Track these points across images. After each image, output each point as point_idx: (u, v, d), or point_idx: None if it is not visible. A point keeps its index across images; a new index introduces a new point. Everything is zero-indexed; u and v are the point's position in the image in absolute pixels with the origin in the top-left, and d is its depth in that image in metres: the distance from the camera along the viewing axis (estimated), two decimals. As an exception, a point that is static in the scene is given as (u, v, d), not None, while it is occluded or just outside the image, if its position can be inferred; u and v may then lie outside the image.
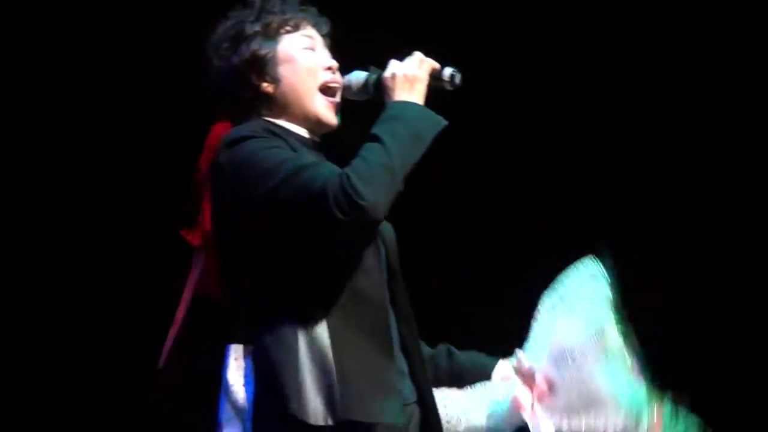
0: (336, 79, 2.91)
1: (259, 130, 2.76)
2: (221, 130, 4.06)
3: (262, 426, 2.77)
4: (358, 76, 2.91)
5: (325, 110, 2.89)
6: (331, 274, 2.71)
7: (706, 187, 5.03)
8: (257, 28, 2.89)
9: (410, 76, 2.81)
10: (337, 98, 2.91)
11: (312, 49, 2.91)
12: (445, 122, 2.77)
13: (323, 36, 2.97)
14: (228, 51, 2.89)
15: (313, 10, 2.99)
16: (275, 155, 2.69)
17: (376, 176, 2.63)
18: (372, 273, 2.74)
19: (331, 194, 2.60)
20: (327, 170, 2.66)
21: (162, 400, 4.54)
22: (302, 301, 2.70)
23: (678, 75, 5.00)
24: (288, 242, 2.69)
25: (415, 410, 2.83)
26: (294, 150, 2.74)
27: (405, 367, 2.82)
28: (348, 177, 2.61)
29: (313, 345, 2.68)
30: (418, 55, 2.84)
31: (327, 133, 2.93)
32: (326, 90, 2.89)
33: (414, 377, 2.84)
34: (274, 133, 2.76)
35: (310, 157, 2.74)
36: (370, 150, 2.68)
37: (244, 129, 2.78)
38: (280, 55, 2.88)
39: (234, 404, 3.78)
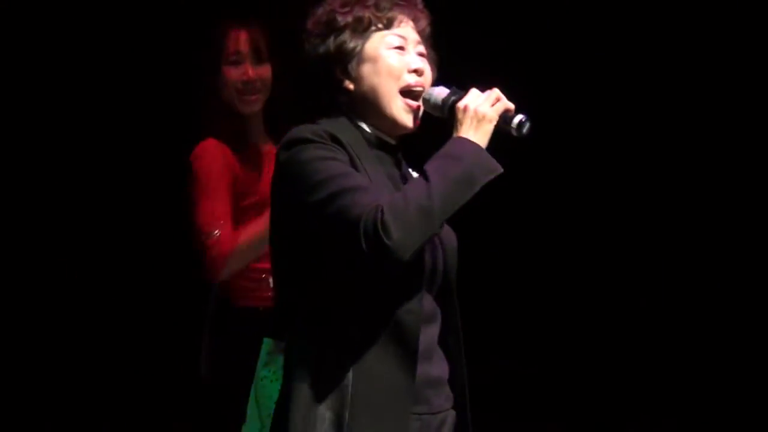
0: (421, 82, 2.85)
1: (321, 133, 2.73)
2: (207, 147, 4.04)
3: (278, 429, 2.76)
4: (438, 93, 2.84)
5: (402, 113, 2.83)
6: (360, 291, 2.70)
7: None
8: (348, 20, 2.84)
9: (481, 114, 2.75)
10: (419, 102, 2.85)
11: (402, 48, 2.85)
12: (501, 169, 2.72)
13: (422, 30, 2.90)
14: (317, 39, 2.85)
15: (415, 1, 2.92)
16: (328, 168, 2.68)
17: (410, 217, 2.61)
18: (407, 288, 2.72)
19: (363, 225, 2.61)
20: (369, 199, 2.63)
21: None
22: (331, 313, 2.71)
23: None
24: (322, 254, 2.70)
25: (449, 415, 2.85)
26: (353, 161, 2.73)
27: (444, 375, 2.83)
28: (382, 212, 2.60)
29: (336, 359, 2.69)
30: (495, 93, 2.79)
31: (407, 134, 2.88)
32: (408, 93, 2.84)
33: (453, 384, 2.85)
34: (335, 139, 2.73)
35: (365, 176, 2.72)
36: (414, 187, 2.67)
37: (306, 130, 2.75)
38: (366, 53, 2.83)
39: (258, 398, 3.81)
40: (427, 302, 2.78)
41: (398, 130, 2.86)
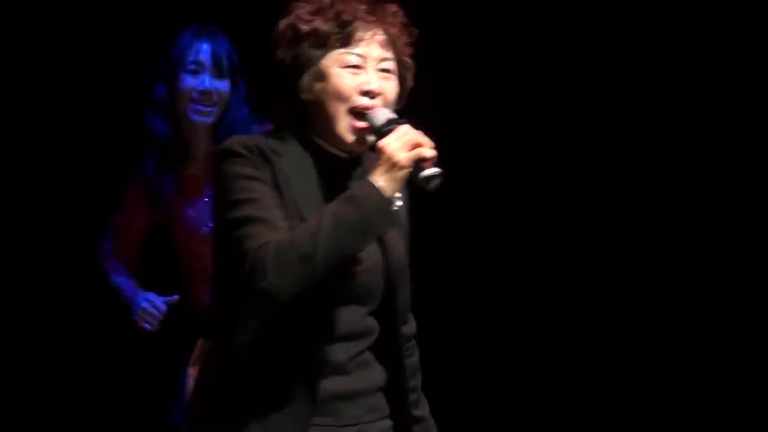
0: (371, 104, 2.76)
1: (251, 147, 2.72)
2: (128, 200, 4.15)
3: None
4: (378, 119, 2.75)
5: (348, 134, 2.77)
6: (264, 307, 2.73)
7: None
8: (307, 31, 2.77)
9: (394, 160, 2.66)
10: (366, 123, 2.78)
11: (358, 67, 2.76)
12: (393, 225, 2.71)
13: (395, 41, 2.79)
14: (279, 44, 2.80)
15: (385, 11, 2.81)
16: (245, 189, 2.68)
17: (290, 263, 2.60)
18: (320, 307, 2.74)
19: (248, 261, 2.62)
20: (264, 234, 2.63)
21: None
22: (240, 321, 2.75)
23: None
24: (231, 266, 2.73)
25: (373, 427, 2.86)
26: (277, 179, 2.71)
27: (369, 388, 2.85)
28: (265, 253, 2.61)
29: (238, 368, 2.74)
30: (415, 138, 2.69)
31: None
32: (358, 113, 2.76)
33: (391, 396, 2.88)
34: (263, 154, 2.72)
35: (286, 200, 2.71)
36: (304, 231, 2.63)
37: (237, 143, 2.75)
38: (320, 68, 2.77)
39: (185, 395, 3.88)
40: (353, 318, 2.80)
41: (347, 147, 2.81)
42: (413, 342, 3.00)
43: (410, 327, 3.00)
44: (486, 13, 5.03)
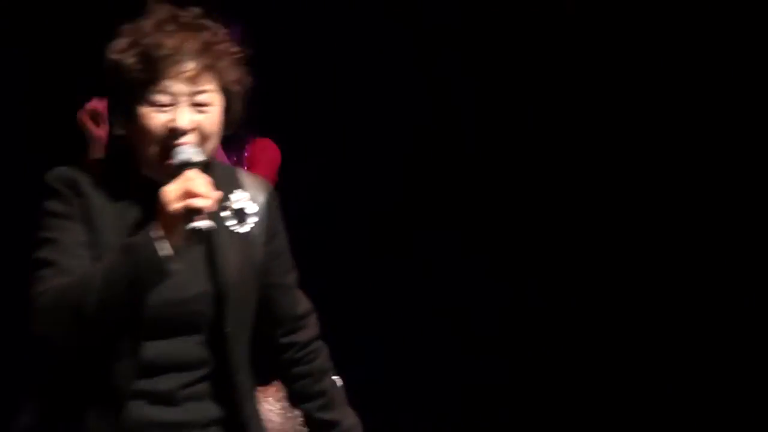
0: (183, 141, 2.64)
1: (66, 180, 2.67)
2: None
3: None
4: (177, 159, 2.64)
5: (159, 171, 2.66)
6: None
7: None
8: (116, 66, 2.66)
9: (167, 210, 2.56)
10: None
11: (167, 105, 2.65)
12: (169, 276, 2.57)
13: (217, 61, 2.67)
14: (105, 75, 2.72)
15: (203, 39, 2.67)
16: (50, 228, 2.65)
17: (61, 315, 2.58)
18: (125, 337, 2.65)
19: (32, 305, 2.60)
20: (50, 280, 2.60)
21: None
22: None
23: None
24: None
25: None
26: (89, 211, 2.64)
27: (197, 420, 2.76)
28: (42, 300, 2.59)
29: (50, 395, 2.72)
30: (190, 186, 2.57)
31: None
32: (168, 150, 2.64)
33: (230, 428, 2.79)
34: (79, 192, 2.66)
35: (84, 244, 2.64)
36: (79, 281, 2.58)
37: (55, 177, 2.69)
38: (129, 108, 2.66)
39: None
40: (181, 349, 2.71)
41: (161, 182, 2.66)
42: (314, 346, 2.91)
43: (306, 333, 2.91)
44: (486, 12, 5.03)
